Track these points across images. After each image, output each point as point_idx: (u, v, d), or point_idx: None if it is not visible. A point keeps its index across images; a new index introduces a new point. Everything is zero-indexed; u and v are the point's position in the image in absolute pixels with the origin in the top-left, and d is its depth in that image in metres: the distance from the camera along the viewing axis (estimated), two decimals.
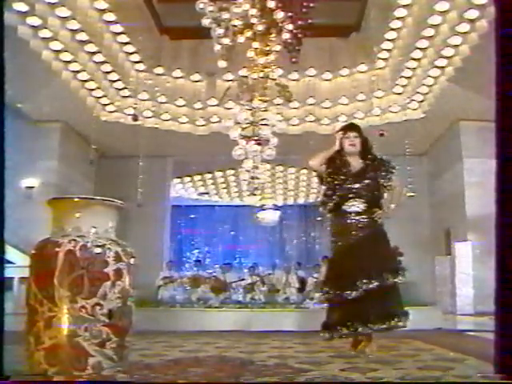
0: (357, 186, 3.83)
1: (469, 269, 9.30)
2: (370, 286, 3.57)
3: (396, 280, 3.68)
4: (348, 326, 3.63)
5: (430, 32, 7.69)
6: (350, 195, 3.83)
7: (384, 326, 3.61)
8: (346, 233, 3.81)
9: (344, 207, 3.83)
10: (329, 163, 3.96)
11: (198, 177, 14.86)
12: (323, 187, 4.04)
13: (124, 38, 8.36)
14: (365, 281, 3.57)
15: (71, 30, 7.60)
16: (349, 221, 3.80)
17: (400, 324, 3.65)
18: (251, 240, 17.21)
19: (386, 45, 8.45)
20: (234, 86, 7.50)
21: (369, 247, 3.72)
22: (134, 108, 9.23)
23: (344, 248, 3.82)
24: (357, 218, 3.78)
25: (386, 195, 3.88)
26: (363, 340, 3.72)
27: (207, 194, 16.00)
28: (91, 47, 8.06)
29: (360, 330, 3.60)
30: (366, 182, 3.83)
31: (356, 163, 3.93)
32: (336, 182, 3.88)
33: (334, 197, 3.86)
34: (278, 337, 5.43)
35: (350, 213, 3.80)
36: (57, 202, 3.02)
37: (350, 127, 4.10)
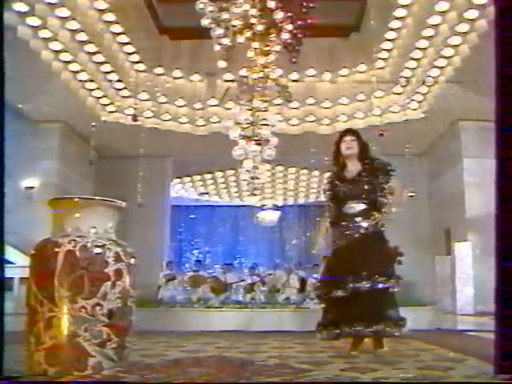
0: (354, 189, 3.86)
1: (469, 269, 9.28)
2: (358, 285, 3.58)
3: (387, 285, 3.66)
4: (337, 326, 3.66)
5: (429, 32, 7.68)
6: (347, 199, 3.86)
7: (370, 330, 3.59)
8: (343, 234, 3.84)
9: (343, 209, 3.86)
10: (330, 173, 4.03)
11: (198, 177, 14.86)
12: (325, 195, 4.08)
13: (124, 39, 8.35)
14: (352, 279, 3.59)
15: (71, 30, 7.59)
16: (347, 223, 3.83)
17: (389, 330, 3.62)
18: (251, 240, 17.20)
19: (386, 45, 8.44)
20: (233, 86, 7.50)
21: (363, 249, 3.74)
22: (134, 108, 9.22)
23: (340, 249, 3.85)
24: (355, 219, 3.80)
25: (385, 198, 3.89)
26: (364, 340, 3.72)
27: (207, 194, 16.00)
28: (91, 47, 8.04)
29: (346, 330, 3.62)
30: (363, 185, 3.86)
31: (354, 167, 3.97)
32: (333, 191, 3.93)
33: (331, 204, 3.92)
34: (278, 337, 5.43)
35: (348, 215, 3.83)
36: (57, 202, 3.02)
37: (346, 131, 4.19)
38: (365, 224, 3.80)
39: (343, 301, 3.65)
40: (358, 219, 3.81)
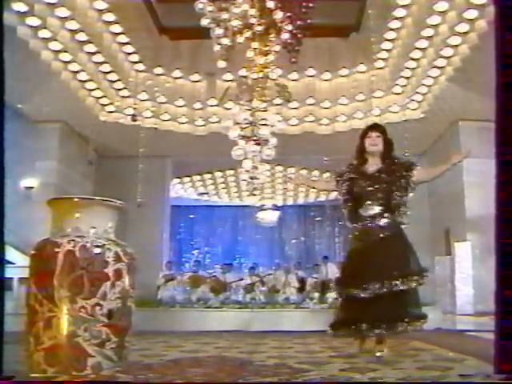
0: (370, 187, 3.77)
1: (469, 269, 9.29)
2: (376, 291, 3.52)
3: (407, 286, 3.53)
4: (355, 325, 3.61)
5: (429, 32, 7.69)
6: (365, 197, 3.78)
7: (392, 331, 3.55)
8: (361, 236, 3.75)
9: (360, 210, 3.78)
10: (348, 166, 3.95)
11: (198, 177, 14.86)
12: (341, 189, 3.98)
13: (123, 39, 8.36)
14: (371, 286, 3.52)
15: (71, 30, 7.60)
16: (365, 225, 3.74)
17: (410, 328, 3.58)
18: (251, 240, 17.21)
19: (386, 45, 8.44)
20: (233, 86, 7.51)
21: (380, 251, 3.62)
22: (134, 108, 9.22)
23: (357, 251, 3.77)
24: (373, 222, 3.70)
25: (404, 197, 3.76)
26: (377, 340, 3.68)
27: (207, 194, 16.00)
28: (91, 47, 8.05)
29: (364, 331, 3.58)
30: (380, 184, 3.72)
31: (375, 164, 3.83)
32: (348, 186, 3.85)
33: (349, 202, 3.85)
34: (277, 337, 5.43)
35: (366, 217, 3.75)
36: (56, 203, 3.02)
37: (372, 126, 4.01)
38: (383, 224, 3.68)
39: (363, 302, 3.59)
40: (376, 219, 3.68)
